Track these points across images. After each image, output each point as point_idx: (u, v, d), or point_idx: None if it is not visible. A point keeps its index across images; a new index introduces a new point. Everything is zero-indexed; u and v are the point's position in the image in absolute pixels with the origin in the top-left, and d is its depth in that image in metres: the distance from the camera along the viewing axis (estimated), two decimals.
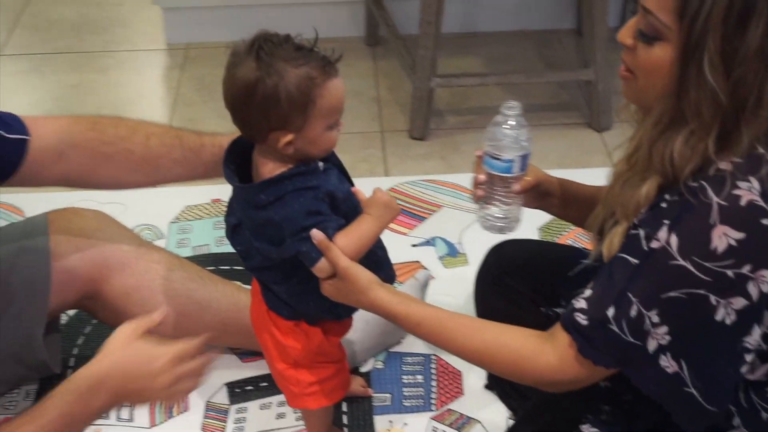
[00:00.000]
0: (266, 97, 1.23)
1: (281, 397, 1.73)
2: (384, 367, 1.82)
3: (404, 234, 2.16)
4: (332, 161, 1.35)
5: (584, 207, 1.44)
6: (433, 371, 1.81)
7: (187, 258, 2.03)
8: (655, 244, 1.16)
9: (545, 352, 1.26)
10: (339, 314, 1.43)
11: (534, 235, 2.12)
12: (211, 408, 1.74)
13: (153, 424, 1.71)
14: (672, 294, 1.16)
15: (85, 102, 2.75)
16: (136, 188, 1.69)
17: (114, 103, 2.73)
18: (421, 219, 2.21)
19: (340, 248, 1.28)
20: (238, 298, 1.79)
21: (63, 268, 1.67)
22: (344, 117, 1.32)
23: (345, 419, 1.71)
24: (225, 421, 1.71)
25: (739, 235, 1.11)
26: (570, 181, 1.58)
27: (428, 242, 2.14)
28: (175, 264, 1.78)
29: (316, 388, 1.48)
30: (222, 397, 1.76)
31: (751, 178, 1.12)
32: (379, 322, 1.79)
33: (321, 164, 1.30)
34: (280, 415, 1.72)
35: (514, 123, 1.41)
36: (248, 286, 1.94)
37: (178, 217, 2.23)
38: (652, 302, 1.17)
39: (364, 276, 1.30)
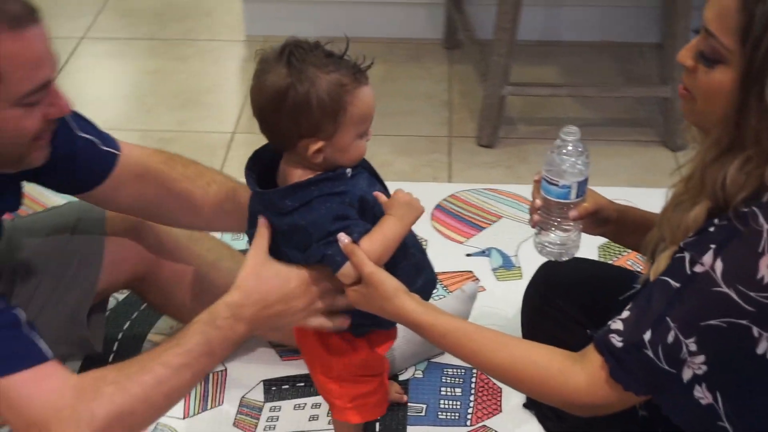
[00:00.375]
0: (297, 104, 1.22)
1: (316, 399, 1.73)
2: (423, 376, 1.79)
3: (460, 243, 2.13)
4: (362, 164, 1.33)
5: (643, 234, 1.38)
6: (472, 386, 1.77)
7: (240, 252, 2.05)
8: (699, 269, 1.12)
9: (575, 373, 1.22)
10: (380, 322, 1.39)
11: (593, 253, 2.06)
12: (245, 404, 1.74)
13: (187, 415, 1.72)
14: (712, 322, 1.11)
15: (161, 89, 2.79)
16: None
17: (189, 91, 2.76)
18: (479, 228, 2.17)
19: (365, 252, 1.26)
20: None
21: (116, 247, 1.70)
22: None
23: (377, 426, 1.69)
24: (258, 419, 1.71)
25: None
26: (630, 208, 1.54)
27: (483, 252, 2.10)
28: (225, 254, 1.79)
29: (360, 402, 1.46)
30: (257, 394, 1.76)
31: None
32: None
33: (349, 170, 1.29)
34: (313, 417, 1.71)
35: (572, 148, 1.39)
36: None
37: None
38: (691, 329, 1.13)
39: (390, 283, 1.27)
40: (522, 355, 1.27)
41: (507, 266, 2.06)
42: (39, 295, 1.65)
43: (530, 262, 2.01)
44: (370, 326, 1.41)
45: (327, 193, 1.26)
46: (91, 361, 1.79)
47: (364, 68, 1.27)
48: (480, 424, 1.70)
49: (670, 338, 1.13)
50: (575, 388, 1.22)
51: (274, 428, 1.69)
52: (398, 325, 1.73)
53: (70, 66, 2.84)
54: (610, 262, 2.05)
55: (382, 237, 1.28)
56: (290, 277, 1.32)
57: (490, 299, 1.95)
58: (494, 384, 1.77)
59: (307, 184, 1.27)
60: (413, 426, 1.69)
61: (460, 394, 1.76)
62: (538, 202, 1.45)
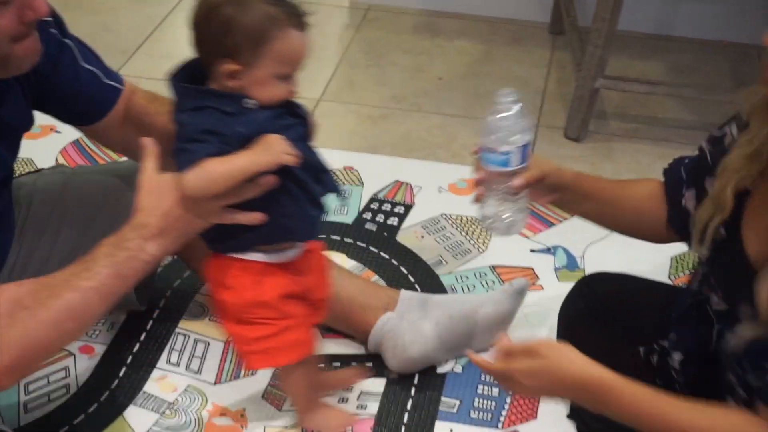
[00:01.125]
0: (224, 22, 1.28)
1: None
2: (462, 372, 1.74)
3: (526, 237, 2.06)
4: (296, 113, 1.36)
5: (603, 204, 1.41)
6: None
7: None
8: None
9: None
10: (293, 231, 1.41)
11: (665, 263, 1.97)
12: (277, 377, 1.72)
13: (218, 381, 1.72)
14: None
15: None
16: None
17: None
18: (549, 224, 2.09)
19: (203, 167, 1.28)
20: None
21: None
22: None
23: (405, 418, 1.65)
24: None
25: None
26: (587, 175, 1.50)
27: (548, 250, 2.03)
28: None
29: (259, 346, 1.44)
30: None
31: None
32: (470, 322, 1.72)
33: (253, 102, 1.31)
34: (343, 400, 1.69)
35: (509, 112, 1.31)
36: (355, 268, 1.93)
37: None
38: None
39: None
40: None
41: (571, 267, 1.98)
42: (85, 243, 1.66)
43: (596, 265, 1.95)
44: (284, 236, 1.41)
45: (216, 107, 1.30)
46: (134, 316, 1.82)
47: (305, 15, 1.32)
48: (512, 428, 1.64)
49: None
50: None
51: None
52: (437, 313, 1.70)
53: (176, 16, 2.87)
54: (681, 274, 1.95)
55: (218, 165, 1.29)
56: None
57: (545, 299, 1.88)
58: None
59: (207, 93, 1.32)
60: (442, 421, 1.65)
61: (496, 394, 1.70)
62: (480, 174, 1.38)
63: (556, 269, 1.98)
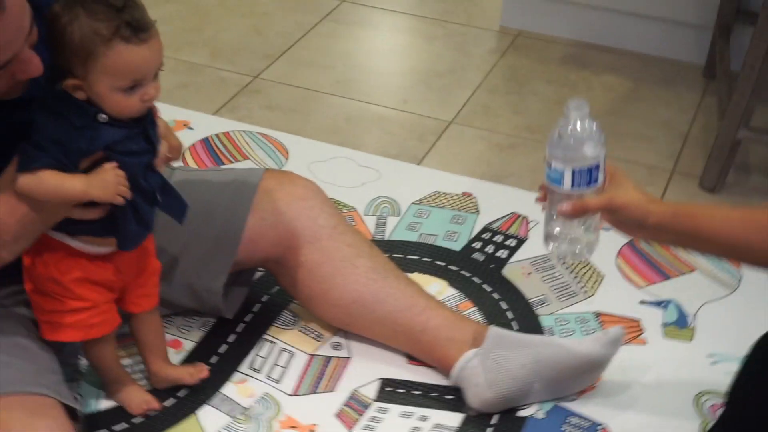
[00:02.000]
0: (57, 38, 1.32)
1: (426, 411, 1.69)
2: (545, 417, 1.68)
3: (639, 287, 1.97)
4: (143, 127, 1.39)
5: (720, 246, 1.25)
6: None
7: (400, 241, 2.03)
8: None
9: None
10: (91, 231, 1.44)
11: None
12: (355, 397, 1.71)
13: (295, 393, 1.71)
14: None
15: (397, 65, 2.81)
16: None
17: (426, 72, 2.74)
18: (665, 276, 1.99)
19: (21, 182, 1.32)
20: (416, 301, 1.73)
21: (257, 224, 1.72)
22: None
23: None
24: (361, 414, 1.68)
25: None
26: (691, 211, 1.32)
27: (660, 304, 1.93)
28: (365, 251, 1.76)
29: (48, 317, 1.51)
30: (370, 390, 1.72)
31: None
32: (557, 368, 1.66)
33: (104, 116, 1.34)
34: (415, 429, 1.65)
35: (572, 126, 1.19)
36: (433, 288, 1.90)
37: (423, 200, 2.20)
38: None
39: None
40: None
41: (680, 324, 1.88)
42: (174, 244, 1.70)
43: (709, 326, 1.85)
44: (106, 236, 1.45)
45: (68, 118, 1.33)
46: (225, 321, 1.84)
47: (140, 27, 1.31)
48: None
49: None
50: None
51: (372, 429, 1.65)
52: (521, 354, 1.64)
53: (324, 26, 2.91)
54: None
55: (51, 180, 1.32)
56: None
57: (646, 354, 1.80)
58: None
59: (68, 100, 1.34)
60: None
61: None
62: (543, 188, 1.30)
63: (664, 325, 1.88)
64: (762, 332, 1.82)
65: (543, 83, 2.68)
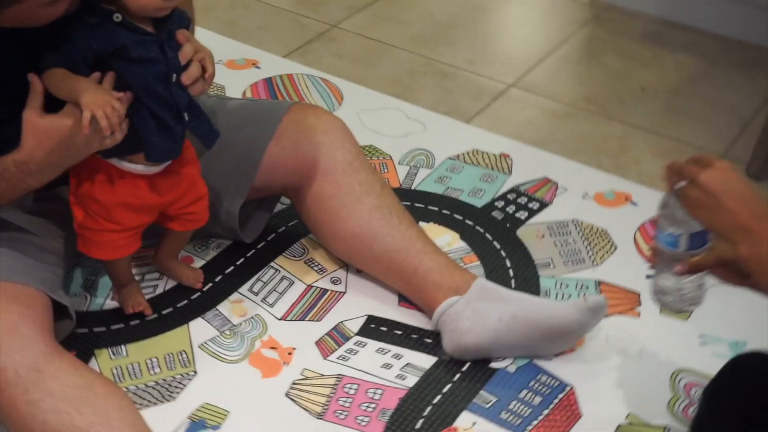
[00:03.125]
0: None
1: (402, 350, 1.75)
2: (514, 372, 1.71)
3: (651, 261, 1.95)
4: (159, 38, 1.48)
5: None
6: (555, 401, 1.67)
7: (425, 192, 2.09)
8: None
9: None
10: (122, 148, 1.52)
11: None
12: (338, 329, 1.79)
13: (284, 318, 1.80)
14: None
15: (480, 25, 2.83)
16: None
17: (501, 34, 2.77)
18: None
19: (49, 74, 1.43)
20: (412, 244, 1.79)
21: (277, 152, 1.81)
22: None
23: (436, 399, 1.65)
24: (340, 345, 1.75)
25: None
26: None
27: None
28: (375, 190, 1.82)
29: (82, 231, 1.63)
30: (354, 325, 1.79)
31: None
32: (532, 326, 1.69)
33: (118, 16, 1.44)
34: (386, 365, 1.72)
35: None
36: (444, 239, 1.95)
37: (459, 155, 2.24)
38: None
39: None
40: None
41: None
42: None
43: (708, 309, 1.81)
44: (135, 151, 1.54)
45: (83, 17, 1.44)
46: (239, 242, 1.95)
47: None
48: None
49: None
50: None
51: (345, 359, 1.73)
52: (500, 308, 1.68)
53: None
54: None
55: (55, 77, 1.43)
56: (62, 125, 1.44)
57: (638, 328, 1.81)
58: (577, 409, 1.65)
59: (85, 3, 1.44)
60: (470, 412, 1.63)
61: (536, 403, 1.66)
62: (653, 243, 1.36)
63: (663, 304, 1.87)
64: (761, 319, 1.81)
65: (614, 56, 2.66)
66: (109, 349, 1.72)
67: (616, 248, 1.99)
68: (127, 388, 1.65)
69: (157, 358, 1.71)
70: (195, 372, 1.69)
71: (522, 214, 2.08)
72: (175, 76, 1.52)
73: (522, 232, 2.03)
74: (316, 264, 1.92)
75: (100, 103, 1.41)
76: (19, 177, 1.48)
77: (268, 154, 1.80)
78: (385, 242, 1.79)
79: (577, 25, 2.81)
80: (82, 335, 1.73)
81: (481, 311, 1.70)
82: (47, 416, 1.42)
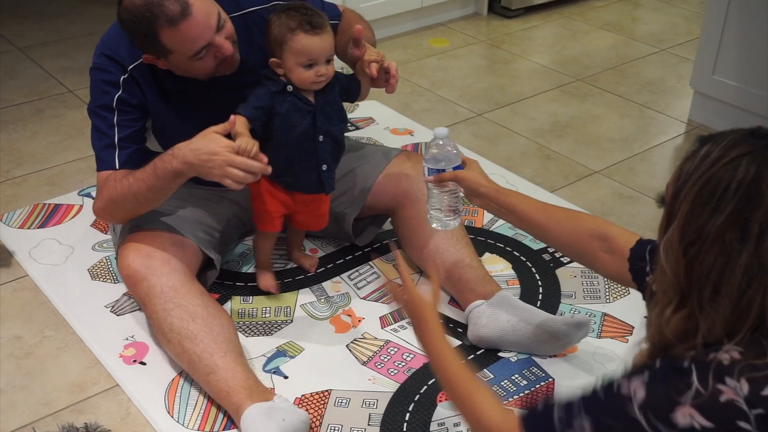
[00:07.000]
0: (267, 32, 1.80)
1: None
2: (514, 362, 1.92)
3: None
4: (314, 109, 1.84)
5: (520, 221, 1.60)
6: (537, 386, 1.85)
7: (498, 233, 2.32)
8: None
9: (496, 408, 1.23)
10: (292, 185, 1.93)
11: None
12: (399, 312, 2.05)
13: (365, 298, 2.11)
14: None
15: (585, 127, 3.00)
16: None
17: (601, 136, 2.94)
18: None
19: (240, 123, 1.76)
20: (462, 258, 2.04)
21: (383, 182, 2.14)
22: None
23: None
24: (396, 322, 2.02)
25: (708, 424, 0.98)
26: (511, 193, 1.66)
27: None
28: None
29: (256, 209, 1.96)
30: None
31: (743, 380, 0.98)
32: (530, 330, 1.89)
33: (290, 87, 1.81)
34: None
35: (438, 143, 1.69)
36: (498, 267, 2.13)
37: None
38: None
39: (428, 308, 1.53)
40: (467, 385, 1.28)
41: None
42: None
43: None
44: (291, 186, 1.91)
45: (269, 86, 1.79)
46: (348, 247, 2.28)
47: (318, 25, 1.76)
48: (510, 408, 1.80)
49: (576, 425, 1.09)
50: (491, 417, 1.22)
51: (396, 332, 1.99)
52: (512, 313, 1.92)
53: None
54: None
55: (237, 122, 1.73)
56: (219, 143, 1.69)
57: (623, 350, 1.95)
58: (552, 396, 1.83)
59: (270, 76, 1.80)
60: None
61: (522, 384, 1.86)
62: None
63: None
64: None
65: None
66: (241, 297, 2.11)
67: (629, 293, 2.15)
68: (244, 322, 2.02)
69: (270, 307, 2.08)
70: (291, 321, 2.04)
71: (565, 258, 2.28)
72: (321, 137, 1.86)
73: (560, 271, 2.22)
74: None
75: (244, 152, 1.70)
76: (168, 158, 1.74)
77: (377, 184, 2.14)
78: (443, 256, 2.07)
79: (667, 136, 2.95)
80: (228, 285, 2.13)
81: (496, 314, 1.93)
82: (173, 320, 1.81)
